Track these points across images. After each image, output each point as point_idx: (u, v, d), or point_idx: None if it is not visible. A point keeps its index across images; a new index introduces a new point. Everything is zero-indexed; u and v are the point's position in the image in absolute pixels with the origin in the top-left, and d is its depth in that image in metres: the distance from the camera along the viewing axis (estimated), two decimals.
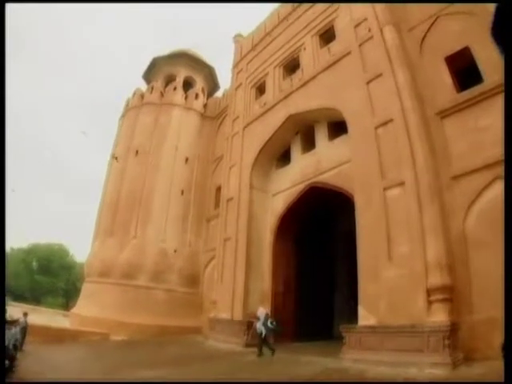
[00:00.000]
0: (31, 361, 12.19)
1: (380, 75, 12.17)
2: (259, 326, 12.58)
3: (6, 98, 6.90)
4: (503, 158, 3.85)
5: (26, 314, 15.09)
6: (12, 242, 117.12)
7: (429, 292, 8.97)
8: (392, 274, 9.88)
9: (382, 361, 8.97)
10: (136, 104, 26.21)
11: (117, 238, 21.86)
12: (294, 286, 16.12)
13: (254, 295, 15.34)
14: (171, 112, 24.81)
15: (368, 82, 12.48)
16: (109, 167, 25.94)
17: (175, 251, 21.16)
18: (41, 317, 24.86)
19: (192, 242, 21.72)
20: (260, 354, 12.16)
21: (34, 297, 55.72)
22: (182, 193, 22.60)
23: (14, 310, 24.92)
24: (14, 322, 12.80)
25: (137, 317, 19.20)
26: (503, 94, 3.77)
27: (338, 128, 14.53)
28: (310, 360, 11.04)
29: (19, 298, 50.49)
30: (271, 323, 12.47)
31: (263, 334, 12.38)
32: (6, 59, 6.80)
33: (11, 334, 10.71)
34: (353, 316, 15.01)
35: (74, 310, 23.86)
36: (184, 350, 15.26)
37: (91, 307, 21.03)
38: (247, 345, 13.75)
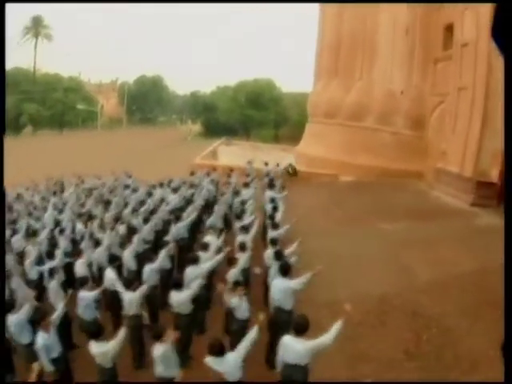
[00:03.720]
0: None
1: None
2: None
3: (5, 95, 9.56)
4: None
5: (266, 164, 19.65)
6: (217, 82, 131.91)
7: None
8: None
9: None
10: None
11: (341, 80, 24.61)
12: None
13: (486, 153, 16.47)
14: None
15: None
16: (322, 6, 27.75)
17: (402, 93, 22.85)
18: (263, 154, 29.97)
19: (418, 84, 22.89)
20: None
21: (245, 129, 65.45)
22: (407, 32, 23.13)
23: (236, 149, 30.82)
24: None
25: (363, 158, 22.20)
26: None
27: None
28: None
29: (231, 131, 60.37)
30: None
31: None
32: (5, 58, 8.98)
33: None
34: None
35: (300, 149, 28.61)
36: (412, 199, 17.50)
37: (317, 147, 25.05)
38: (474, 204, 15.55)
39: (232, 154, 31.58)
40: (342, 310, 8.31)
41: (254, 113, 62.49)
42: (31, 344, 6.71)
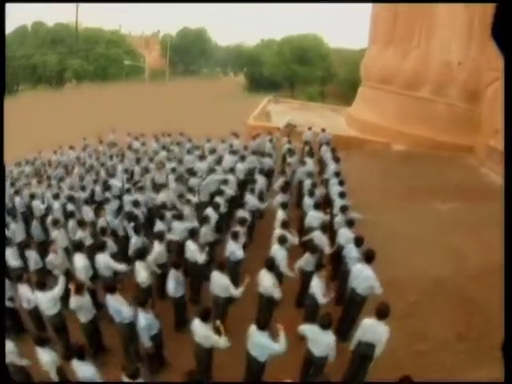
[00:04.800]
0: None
1: None
2: None
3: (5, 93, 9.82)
4: None
5: (324, 130, 20.36)
6: (262, 35, 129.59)
7: None
8: None
9: None
10: None
11: (398, 46, 24.68)
12: None
13: None
14: None
15: None
16: None
17: (459, 64, 22.70)
18: (313, 114, 30.82)
19: (476, 57, 22.50)
20: None
21: (290, 85, 65.22)
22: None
23: (286, 108, 30.53)
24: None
25: (416, 128, 22.47)
26: None
27: None
28: None
29: (275, 86, 60.40)
30: None
31: None
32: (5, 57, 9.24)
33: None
34: None
35: (351, 112, 28.99)
36: (464, 176, 17.81)
37: (370, 113, 25.58)
38: None
39: (283, 114, 31.78)
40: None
41: (300, 68, 61.51)
42: (132, 323, 7.47)
